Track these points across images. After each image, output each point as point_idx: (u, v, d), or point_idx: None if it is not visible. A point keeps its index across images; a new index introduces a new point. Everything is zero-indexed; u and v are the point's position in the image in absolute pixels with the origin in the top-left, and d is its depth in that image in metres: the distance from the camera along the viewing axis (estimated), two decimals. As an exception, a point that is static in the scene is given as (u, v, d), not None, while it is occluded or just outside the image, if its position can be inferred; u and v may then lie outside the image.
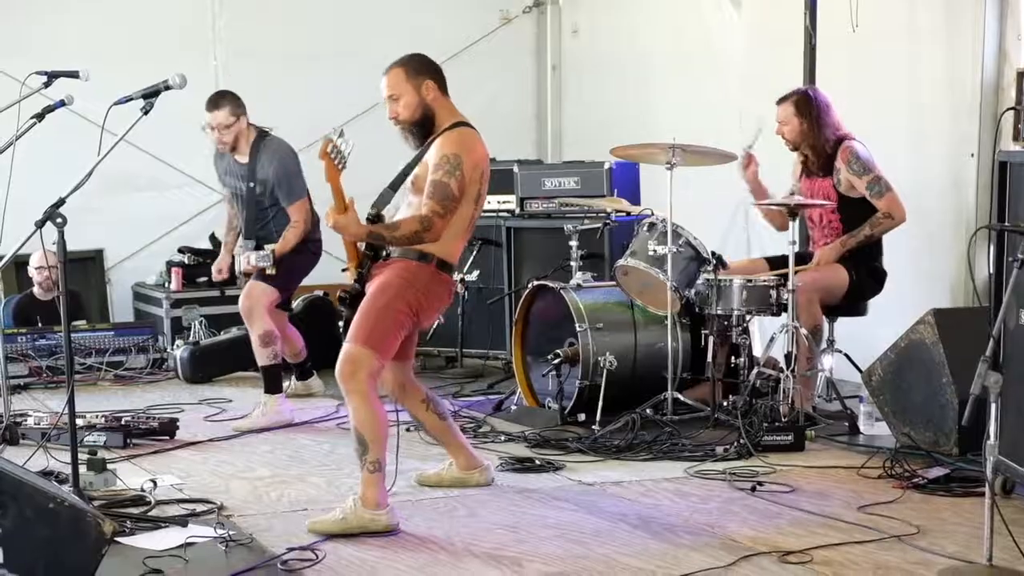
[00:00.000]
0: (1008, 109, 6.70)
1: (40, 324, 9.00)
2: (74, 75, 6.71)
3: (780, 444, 6.33)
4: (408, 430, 6.32)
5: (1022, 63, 7.06)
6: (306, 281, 7.77)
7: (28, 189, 6.66)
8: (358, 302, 5.24)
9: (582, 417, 6.97)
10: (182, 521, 5.17)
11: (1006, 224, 5.40)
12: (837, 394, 7.08)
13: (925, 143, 7.78)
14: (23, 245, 5.29)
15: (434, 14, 10.87)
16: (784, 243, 6.88)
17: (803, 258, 7.07)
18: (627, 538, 4.98)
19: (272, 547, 4.86)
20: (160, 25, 10.06)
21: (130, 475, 5.85)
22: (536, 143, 11.39)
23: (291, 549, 4.81)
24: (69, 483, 5.16)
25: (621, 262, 7.12)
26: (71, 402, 5.13)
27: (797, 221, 6.87)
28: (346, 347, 5.15)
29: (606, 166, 8.52)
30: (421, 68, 5.36)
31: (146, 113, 5.48)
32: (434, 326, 7.23)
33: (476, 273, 8.99)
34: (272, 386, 7.36)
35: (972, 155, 7.40)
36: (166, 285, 9.77)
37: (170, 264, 9.81)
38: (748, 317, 6.92)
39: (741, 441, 6.28)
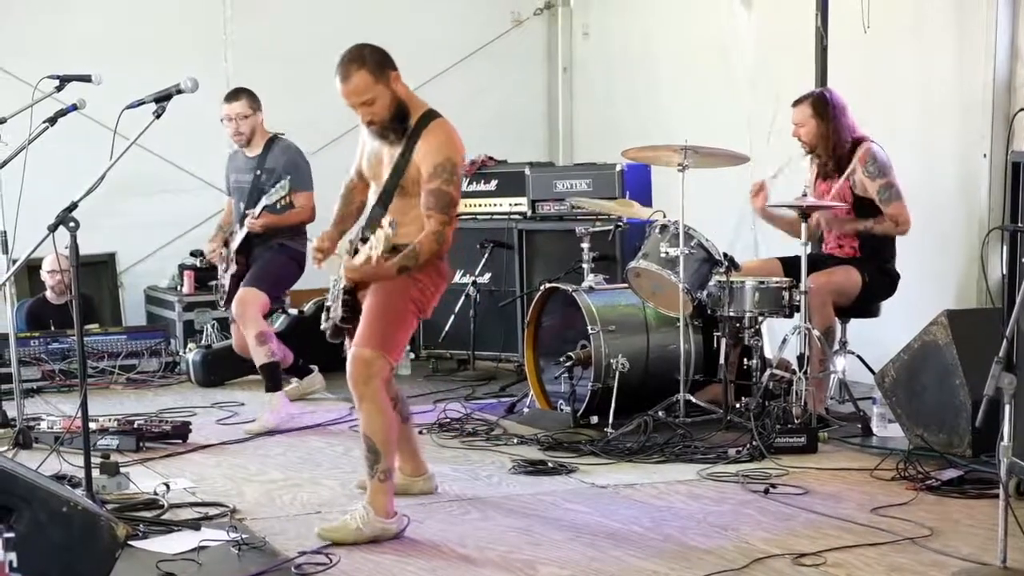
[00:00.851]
0: (1021, 109, 6.70)
1: (53, 328, 9.00)
2: (86, 79, 6.73)
3: (793, 446, 6.32)
4: (421, 432, 6.30)
5: (1035, 63, 7.07)
6: (316, 284, 7.77)
7: (40, 193, 6.67)
8: (357, 304, 5.20)
9: (594, 420, 6.97)
10: (195, 525, 5.17)
11: (1019, 225, 5.39)
12: (850, 396, 7.06)
13: (937, 143, 7.76)
14: (36, 249, 5.31)
15: (445, 16, 10.88)
16: (796, 244, 6.87)
17: (816, 259, 7.05)
18: (640, 541, 4.98)
19: (285, 550, 4.87)
20: (172, 29, 10.08)
21: (143, 478, 5.87)
22: (547, 145, 11.38)
23: (303, 553, 4.81)
24: (82, 487, 5.16)
25: (633, 264, 7.11)
26: (84, 406, 5.13)
27: (811, 221, 6.84)
28: (356, 351, 5.09)
29: (618, 168, 8.50)
30: (382, 60, 5.10)
31: (158, 117, 5.49)
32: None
33: (488, 276, 9.00)
34: (273, 384, 7.40)
35: (984, 155, 7.38)
36: (178, 288, 9.78)
37: (182, 267, 9.82)
38: (760, 319, 6.91)
39: (754, 443, 6.27)
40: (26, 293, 9.59)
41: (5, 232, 6.89)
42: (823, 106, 7.07)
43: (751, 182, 7.36)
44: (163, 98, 5.46)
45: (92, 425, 5.88)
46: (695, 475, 5.98)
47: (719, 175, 7.72)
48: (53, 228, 5.09)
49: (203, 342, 9.10)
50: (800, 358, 6.67)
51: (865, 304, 7.17)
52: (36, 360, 8.64)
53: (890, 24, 7.83)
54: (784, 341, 6.90)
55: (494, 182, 9.19)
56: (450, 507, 5.54)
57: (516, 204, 9.07)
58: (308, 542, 4.95)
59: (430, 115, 5.19)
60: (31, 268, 9.22)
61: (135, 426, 6.76)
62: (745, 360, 6.98)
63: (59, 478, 5.43)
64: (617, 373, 6.95)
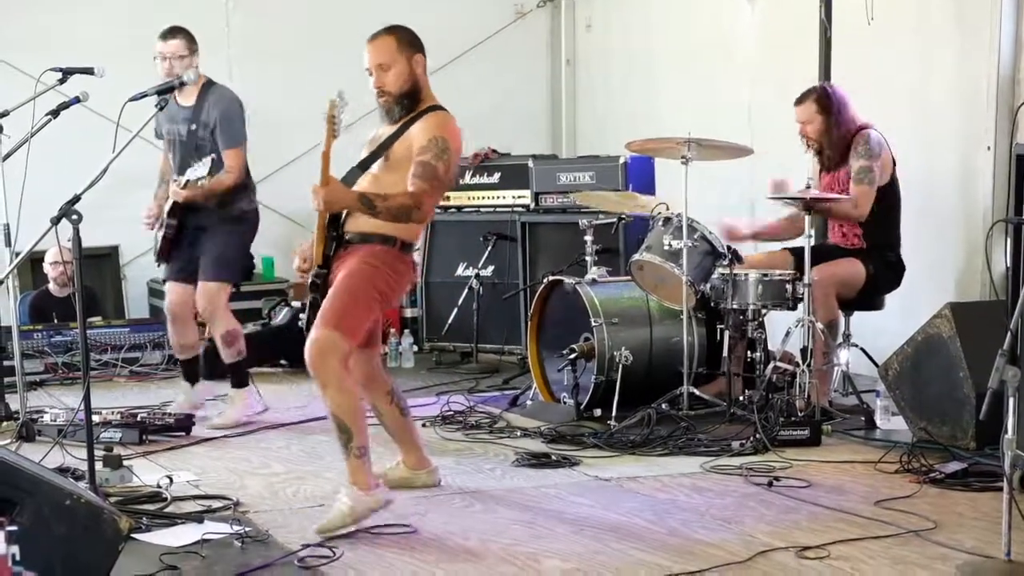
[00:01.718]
0: (1025, 102, 6.69)
1: (56, 320, 9.01)
2: (89, 71, 6.73)
3: (796, 439, 6.31)
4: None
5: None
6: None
7: (43, 185, 6.66)
8: (327, 287, 5.16)
9: (598, 412, 6.97)
10: (198, 518, 5.17)
11: (1023, 218, 5.38)
12: (853, 388, 7.07)
13: (941, 136, 7.75)
14: (39, 242, 5.29)
15: (448, 9, 10.86)
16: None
17: (821, 250, 7.03)
18: (643, 533, 4.97)
19: (288, 543, 4.86)
20: (174, 21, 10.05)
21: (146, 471, 5.86)
22: (551, 138, 11.38)
23: (307, 546, 4.81)
24: (85, 480, 5.16)
25: (636, 257, 7.10)
26: (87, 398, 5.13)
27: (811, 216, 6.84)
28: (314, 332, 5.03)
29: (621, 160, 8.50)
30: (414, 40, 5.28)
31: (161, 109, 5.51)
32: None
33: (491, 268, 8.99)
34: (239, 380, 7.33)
35: (988, 148, 7.36)
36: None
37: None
38: (764, 311, 6.91)
39: (757, 436, 6.27)
40: (29, 286, 9.59)
41: (8, 225, 6.89)
42: (827, 101, 7.06)
43: (750, 175, 7.34)
44: (165, 90, 5.48)
45: (95, 418, 5.88)
46: (698, 468, 5.97)
47: (717, 168, 7.71)
48: (56, 221, 5.08)
49: (205, 335, 9.08)
50: (803, 351, 6.67)
51: (870, 296, 7.16)
52: (39, 353, 8.66)
53: (894, 16, 7.82)
54: (788, 334, 6.89)
55: (497, 175, 9.19)
56: (453, 500, 5.53)
57: (519, 197, 9.07)
58: (311, 535, 4.94)
59: (437, 107, 5.24)
60: (34, 261, 9.21)
61: (138, 419, 6.76)
62: (749, 353, 6.97)
63: (62, 471, 5.43)
64: (620, 366, 6.95)
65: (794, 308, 6.85)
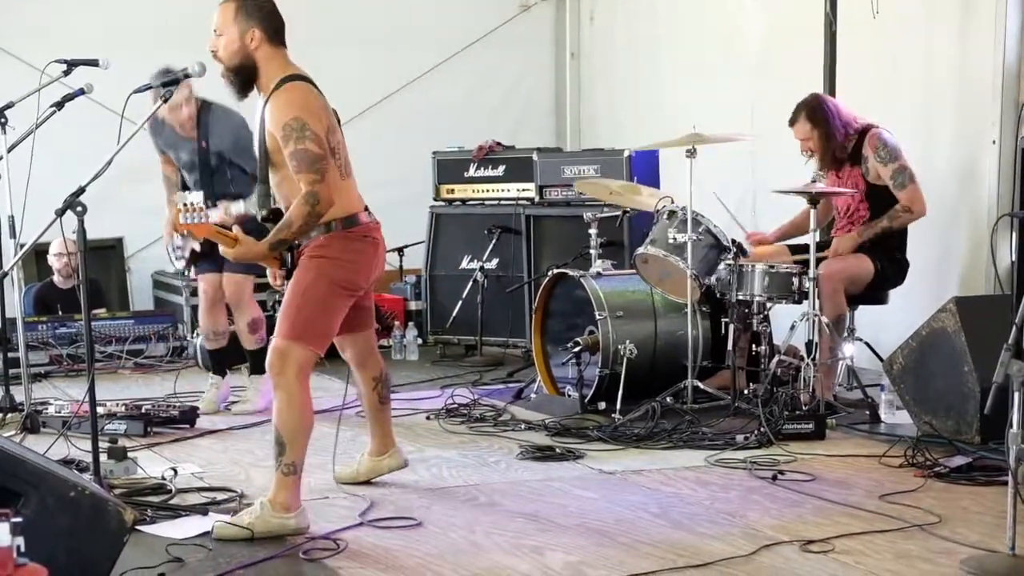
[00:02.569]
0: (1030, 96, 6.68)
1: (60, 312, 9.02)
2: (94, 63, 6.72)
3: (801, 432, 6.31)
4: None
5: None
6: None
7: (48, 177, 6.65)
8: None
9: (602, 405, 6.96)
10: (203, 510, 5.18)
11: (1029, 212, 5.37)
12: (858, 382, 7.06)
13: (946, 130, 7.74)
14: (43, 233, 5.28)
15: (453, 3, 10.87)
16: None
17: (823, 246, 7.03)
18: (648, 527, 4.97)
19: (293, 535, 4.86)
20: (180, 13, 10.03)
21: (151, 463, 5.87)
22: (555, 130, 11.36)
23: (311, 538, 4.82)
24: (90, 471, 5.18)
25: (641, 250, 7.10)
26: (91, 390, 5.13)
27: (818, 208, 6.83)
28: (277, 340, 4.95)
29: (626, 153, 8.50)
30: (252, 12, 5.01)
31: (165, 101, 5.49)
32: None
33: (495, 261, 8.99)
34: (260, 367, 7.33)
35: (993, 142, 7.36)
36: (186, 273, 9.75)
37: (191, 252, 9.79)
38: (770, 304, 6.90)
39: (762, 429, 6.26)
40: (34, 278, 9.59)
41: (12, 217, 6.89)
42: (819, 111, 7.04)
43: (750, 172, 7.33)
44: (170, 82, 5.45)
45: (100, 410, 5.88)
46: (703, 461, 5.97)
47: (718, 162, 7.69)
48: (60, 213, 5.08)
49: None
50: (808, 344, 6.66)
51: (875, 292, 7.16)
52: (44, 345, 8.66)
53: (899, 9, 7.81)
54: (793, 327, 6.89)
55: (502, 167, 9.18)
56: (457, 492, 5.54)
57: (524, 189, 9.07)
58: (316, 527, 4.95)
59: (284, 80, 5.00)
60: (38, 253, 9.21)
61: (143, 411, 6.77)
62: (753, 346, 6.96)
63: (67, 463, 5.44)
64: (625, 359, 6.94)
65: (799, 302, 6.84)
